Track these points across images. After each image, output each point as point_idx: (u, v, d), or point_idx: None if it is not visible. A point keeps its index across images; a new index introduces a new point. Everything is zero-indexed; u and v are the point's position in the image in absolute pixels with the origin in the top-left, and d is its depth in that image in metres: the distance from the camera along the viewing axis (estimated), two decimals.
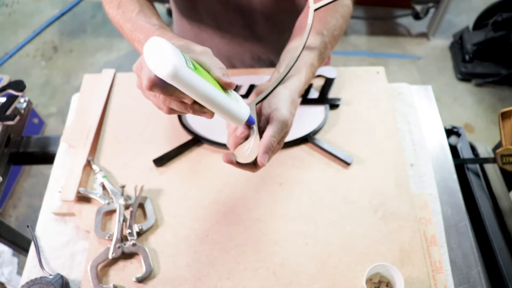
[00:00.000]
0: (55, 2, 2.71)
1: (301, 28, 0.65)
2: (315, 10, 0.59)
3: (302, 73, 0.59)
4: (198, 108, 0.45)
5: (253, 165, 0.51)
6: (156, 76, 0.40)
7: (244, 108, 0.48)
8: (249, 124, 0.51)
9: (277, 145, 0.52)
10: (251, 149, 0.50)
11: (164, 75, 0.38)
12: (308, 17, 0.59)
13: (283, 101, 0.53)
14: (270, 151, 0.50)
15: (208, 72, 0.44)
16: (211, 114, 0.47)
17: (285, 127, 0.51)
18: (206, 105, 0.44)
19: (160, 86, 0.41)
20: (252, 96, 0.56)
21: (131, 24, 0.60)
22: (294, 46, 0.63)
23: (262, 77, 0.84)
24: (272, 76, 0.59)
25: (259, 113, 0.54)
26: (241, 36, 0.87)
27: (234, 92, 0.48)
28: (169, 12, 2.42)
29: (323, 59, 0.64)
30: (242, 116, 0.48)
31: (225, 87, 0.45)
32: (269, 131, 0.50)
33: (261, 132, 0.51)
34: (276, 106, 0.52)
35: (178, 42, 0.46)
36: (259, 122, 0.53)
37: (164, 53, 0.38)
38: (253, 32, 0.85)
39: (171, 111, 0.47)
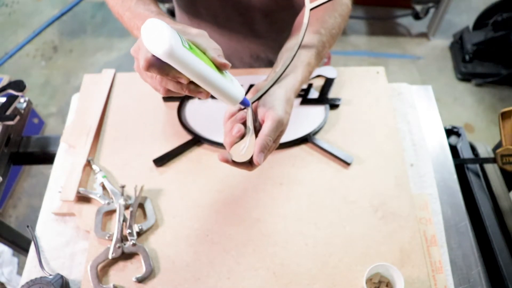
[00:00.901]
0: (55, 2, 2.71)
1: (299, 27, 0.66)
2: (311, 9, 0.59)
3: (298, 72, 0.59)
4: (193, 88, 0.47)
5: (249, 164, 0.51)
6: (153, 56, 0.41)
7: (239, 89, 0.49)
8: (244, 105, 0.52)
9: (273, 144, 0.52)
10: (247, 148, 0.50)
11: (160, 53, 0.39)
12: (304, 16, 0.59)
13: (278, 100, 0.53)
14: (265, 150, 0.50)
15: (204, 53, 0.46)
16: (206, 94, 0.48)
17: (280, 126, 0.52)
18: (201, 84, 0.45)
19: (156, 65, 0.42)
20: (249, 95, 0.56)
21: (130, 12, 0.61)
22: (291, 45, 0.63)
23: (262, 77, 0.84)
24: (269, 75, 0.59)
25: (254, 112, 0.54)
26: (240, 34, 0.87)
27: (229, 73, 0.50)
28: (169, 12, 2.43)
29: (321, 58, 0.64)
30: (237, 96, 0.49)
31: (220, 67, 0.46)
32: (264, 130, 0.50)
33: (256, 131, 0.52)
34: (271, 105, 0.52)
35: (175, 26, 0.47)
36: (255, 122, 0.53)
37: (161, 33, 0.39)
38: (252, 30, 0.85)
39: (168, 92, 0.48)
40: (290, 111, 0.55)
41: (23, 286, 0.60)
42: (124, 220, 0.67)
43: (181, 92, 0.47)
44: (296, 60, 0.60)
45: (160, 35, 0.39)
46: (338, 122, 0.80)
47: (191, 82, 0.45)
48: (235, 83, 0.49)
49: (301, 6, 0.76)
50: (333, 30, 0.65)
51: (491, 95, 2.18)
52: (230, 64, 0.46)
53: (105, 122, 0.81)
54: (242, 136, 0.52)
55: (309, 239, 0.66)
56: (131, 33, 0.63)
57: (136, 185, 0.70)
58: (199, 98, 0.49)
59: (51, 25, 2.58)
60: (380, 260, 0.63)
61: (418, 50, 2.42)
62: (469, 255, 0.68)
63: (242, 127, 0.52)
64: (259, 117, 0.53)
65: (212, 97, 0.48)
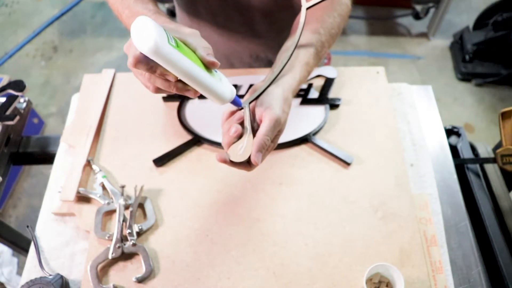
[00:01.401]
0: (55, 2, 2.71)
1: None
2: (308, 8, 0.59)
3: (296, 72, 0.59)
4: (181, 86, 0.47)
5: (248, 164, 0.51)
6: (140, 53, 0.42)
7: (228, 89, 0.50)
8: (235, 105, 0.52)
9: (271, 144, 0.52)
10: (244, 148, 0.50)
11: (146, 50, 0.40)
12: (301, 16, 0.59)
13: (276, 100, 0.53)
14: (263, 149, 0.50)
15: (194, 52, 0.46)
16: (194, 92, 0.48)
17: (278, 125, 0.52)
18: (188, 82, 0.45)
19: (144, 62, 0.43)
20: (246, 95, 0.56)
21: (129, 10, 0.62)
22: (289, 45, 0.63)
23: (262, 77, 0.84)
24: (267, 76, 0.59)
25: (252, 112, 0.54)
26: (240, 34, 0.87)
27: (219, 72, 0.50)
28: (169, 12, 2.43)
29: (320, 57, 0.64)
30: (225, 95, 0.49)
31: (208, 66, 0.47)
32: (262, 130, 0.50)
33: (254, 131, 0.52)
34: (268, 105, 0.52)
35: (168, 25, 0.47)
36: (253, 122, 0.53)
37: (147, 30, 0.40)
38: (251, 29, 0.85)
39: (157, 90, 0.49)
40: (288, 110, 0.55)
41: (23, 286, 0.60)
42: (124, 220, 0.67)
43: (170, 90, 0.48)
44: (294, 59, 0.60)
45: (146, 33, 0.40)
46: (338, 122, 0.80)
47: (179, 80, 0.46)
48: (224, 83, 0.49)
49: (301, 6, 0.76)
50: (332, 30, 0.65)
51: (491, 95, 2.18)
52: (218, 63, 0.47)
53: (105, 122, 0.81)
54: (240, 136, 0.52)
55: (309, 239, 0.66)
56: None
57: (136, 185, 0.70)
58: (189, 97, 0.49)
59: (51, 25, 2.59)
60: (380, 260, 0.62)
61: (418, 50, 2.42)
62: (469, 255, 0.68)
63: (239, 127, 0.52)
64: (257, 117, 0.53)
65: (202, 96, 0.49)
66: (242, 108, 0.53)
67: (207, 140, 0.76)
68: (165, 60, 0.41)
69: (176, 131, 0.79)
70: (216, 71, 0.49)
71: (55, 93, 2.22)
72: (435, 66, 2.33)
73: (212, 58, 0.46)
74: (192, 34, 0.47)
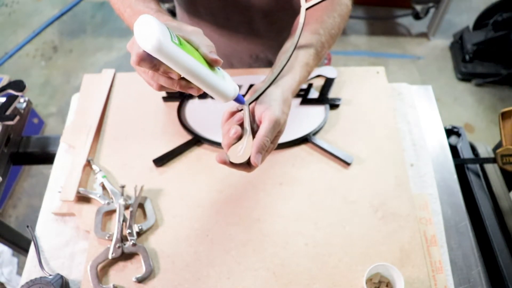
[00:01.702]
0: (55, 2, 2.71)
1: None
2: (307, 8, 0.59)
3: (296, 72, 0.59)
4: (184, 83, 0.47)
5: (247, 165, 0.51)
6: (144, 51, 0.42)
7: (231, 86, 0.50)
8: (238, 102, 0.52)
9: (271, 145, 0.52)
10: (244, 149, 0.50)
11: (149, 48, 0.40)
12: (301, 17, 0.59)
13: (275, 101, 0.53)
14: (263, 150, 0.50)
15: (197, 50, 0.46)
16: (197, 90, 0.48)
17: (277, 126, 0.52)
18: (191, 80, 0.45)
19: (147, 60, 0.43)
20: (247, 96, 0.56)
21: (131, 9, 0.62)
22: (289, 46, 0.63)
23: (261, 77, 0.84)
24: (267, 76, 0.59)
25: (252, 113, 0.54)
26: (240, 34, 0.87)
27: (222, 70, 0.50)
28: (169, 12, 2.43)
29: (320, 58, 0.64)
30: (228, 93, 0.49)
31: (211, 63, 0.47)
32: (261, 131, 0.50)
33: (254, 132, 0.52)
34: (268, 106, 0.52)
35: (171, 23, 0.47)
36: (252, 123, 0.53)
37: (150, 28, 0.40)
38: (251, 29, 0.85)
39: (160, 87, 0.49)
40: (287, 111, 0.55)
41: (23, 286, 0.60)
42: (124, 220, 0.67)
43: (173, 88, 0.48)
44: (294, 60, 0.60)
45: (149, 31, 0.40)
46: (338, 122, 0.80)
47: (182, 78, 0.46)
48: (227, 80, 0.49)
49: (300, 7, 0.76)
50: (332, 30, 0.65)
51: (491, 95, 2.18)
52: (221, 61, 0.47)
53: (105, 122, 0.81)
54: (240, 138, 0.52)
55: (309, 239, 0.66)
56: (132, 30, 0.64)
57: (136, 185, 0.70)
58: (192, 94, 0.50)
59: (51, 25, 2.59)
60: (380, 260, 0.63)
61: (418, 50, 2.42)
62: (469, 255, 0.68)
63: (239, 128, 0.52)
64: (257, 118, 0.53)
65: (205, 94, 0.49)
66: (242, 110, 0.53)
67: (207, 140, 0.76)
68: (168, 58, 0.41)
69: (176, 131, 0.79)
70: (219, 69, 0.49)
71: (55, 93, 2.22)
72: (435, 66, 2.34)
73: (215, 56, 0.46)
74: (195, 32, 0.47)
